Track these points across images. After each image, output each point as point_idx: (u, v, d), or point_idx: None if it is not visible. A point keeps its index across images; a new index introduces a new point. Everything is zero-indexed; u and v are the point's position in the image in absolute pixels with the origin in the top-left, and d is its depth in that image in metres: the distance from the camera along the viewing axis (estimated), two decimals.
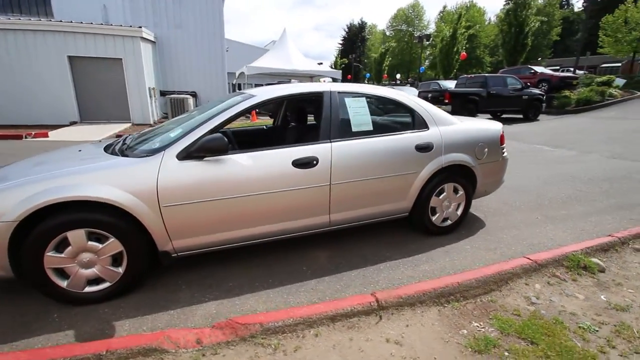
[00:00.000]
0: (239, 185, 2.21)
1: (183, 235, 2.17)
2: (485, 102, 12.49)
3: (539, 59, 37.73)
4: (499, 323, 1.93)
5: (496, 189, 3.49)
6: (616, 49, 22.53)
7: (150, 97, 12.10)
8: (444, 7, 52.69)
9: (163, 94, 13.28)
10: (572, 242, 2.92)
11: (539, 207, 3.91)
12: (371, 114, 2.77)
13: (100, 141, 3.11)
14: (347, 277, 2.42)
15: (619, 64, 29.44)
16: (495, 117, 13.07)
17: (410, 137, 2.79)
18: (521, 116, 13.24)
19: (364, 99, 2.74)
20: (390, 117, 3.20)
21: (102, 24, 11.37)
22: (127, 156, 2.21)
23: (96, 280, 2.07)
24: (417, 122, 2.89)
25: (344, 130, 2.59)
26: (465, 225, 3.33)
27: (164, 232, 2.10)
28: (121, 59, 11.29)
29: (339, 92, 2.66)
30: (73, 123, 11.17)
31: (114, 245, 2.01)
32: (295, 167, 2.35)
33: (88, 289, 2.06)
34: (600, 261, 2.60)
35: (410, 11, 55.13)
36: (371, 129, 2.68)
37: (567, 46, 45.07)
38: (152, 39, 12.68)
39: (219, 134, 2.11)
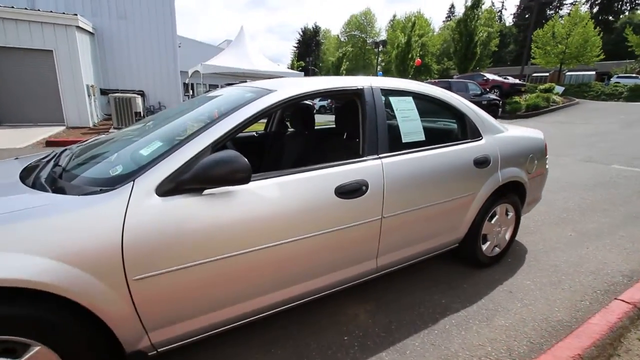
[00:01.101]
0: (262, 231, 1.39)
1: (167, 321, 1.30)
2: None
3: (477, 68, 40.38)
4: None
5: (534, 207, 3.02)
6: (546, 60, 24.64)
7: (89, 95, 10.33)
8: (394, 16, 54.81)
9: (104, 92, 11.50)
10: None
11: (562, 220, 3.57)
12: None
13: (16, 158, 2.00)
14: (412, 350, 1.70)
15: (547, 74, 32.36)
16: None
17: (467, 149, 2.16)
18: None
19: (411, 98, 2.05)
20: (436, 122, 2.54)
21: (26, 9, 9.44)
22: (62, 190, 1.27)
23: None
24: (470, 130, 2.26)
25: (392, 142, 1.88)
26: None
27: (135, 322, 1.21)
28: (52, 50, 9.44)
29: (381, 89, 1.94)
30: None
31: (40, 357, 1.09)
32: (338, 196, 1.58)
33: None
34: None
35: (363, 18, 56.27)
36: (423, 138, 2.00)
37: (501, 57, 49.04)
38: (90, 29, 10.88)
39: (233, 151, 1.25)
